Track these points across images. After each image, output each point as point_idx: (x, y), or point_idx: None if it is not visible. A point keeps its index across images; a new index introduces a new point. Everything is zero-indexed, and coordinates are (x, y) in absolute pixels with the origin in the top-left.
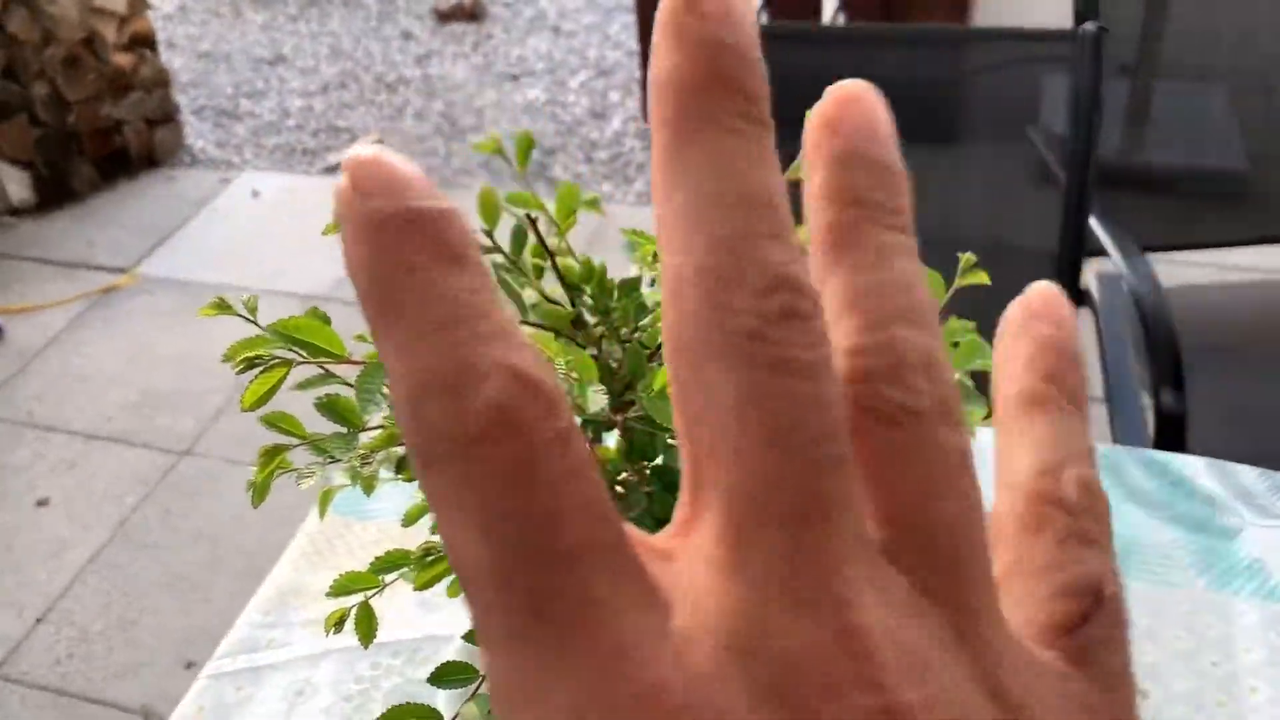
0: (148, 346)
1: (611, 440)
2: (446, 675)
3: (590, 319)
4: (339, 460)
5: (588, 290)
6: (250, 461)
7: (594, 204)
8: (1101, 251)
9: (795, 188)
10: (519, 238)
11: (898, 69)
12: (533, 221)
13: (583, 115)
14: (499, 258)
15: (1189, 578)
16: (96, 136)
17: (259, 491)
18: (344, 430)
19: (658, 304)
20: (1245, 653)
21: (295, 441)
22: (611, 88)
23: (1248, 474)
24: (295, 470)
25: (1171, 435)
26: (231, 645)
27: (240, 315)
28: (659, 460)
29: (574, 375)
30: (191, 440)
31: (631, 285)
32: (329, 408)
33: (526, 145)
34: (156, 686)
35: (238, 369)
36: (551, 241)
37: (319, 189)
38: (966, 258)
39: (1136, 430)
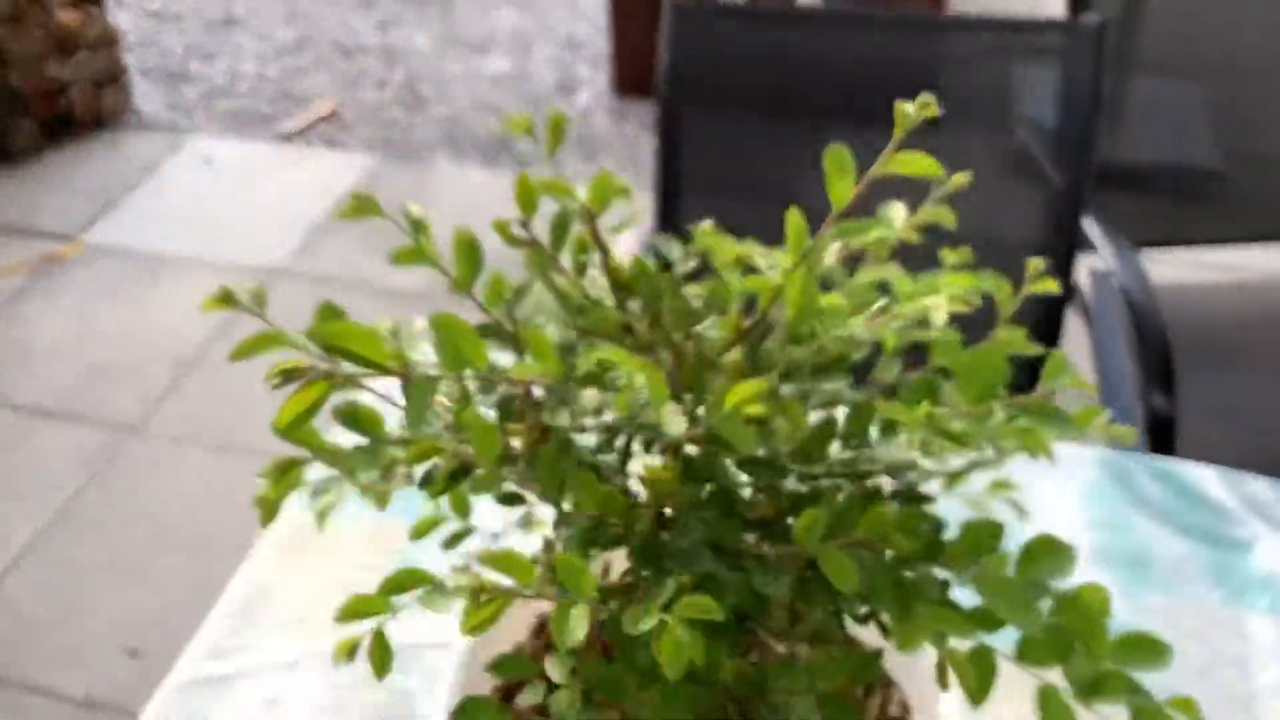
0: (92, 318)
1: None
2: (474, 714)
3: (638, 323)
4: (361, 476)
5: (639, 292)
6: (199, 441)
7: (626, 193)
8: (1087, 246)
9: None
10: (560, 229)
11: (877, 53)
12: (590, 216)
13: (549, 89)
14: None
15: (1202, 592)
16: (40, 96)
17: (269, 510)
18: (366, 442)
19: (708, 305)
20: (1263, 671)
21: (313, 457)
22: (579, 61)
23: (1257, 484)
24: (307, 485)
25: (1161, 437)
26: (198, 651)
27: (250, 310)
28: (719, 483)
29: (646, 394)
30: (138, 418)
31: (670, 286)
32: (350, 417)
33: (558, 126)
34: (99, 674)
35: (273, 383)
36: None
37: (272, 156)
38: (1034, 263)
39: (1129, 426)
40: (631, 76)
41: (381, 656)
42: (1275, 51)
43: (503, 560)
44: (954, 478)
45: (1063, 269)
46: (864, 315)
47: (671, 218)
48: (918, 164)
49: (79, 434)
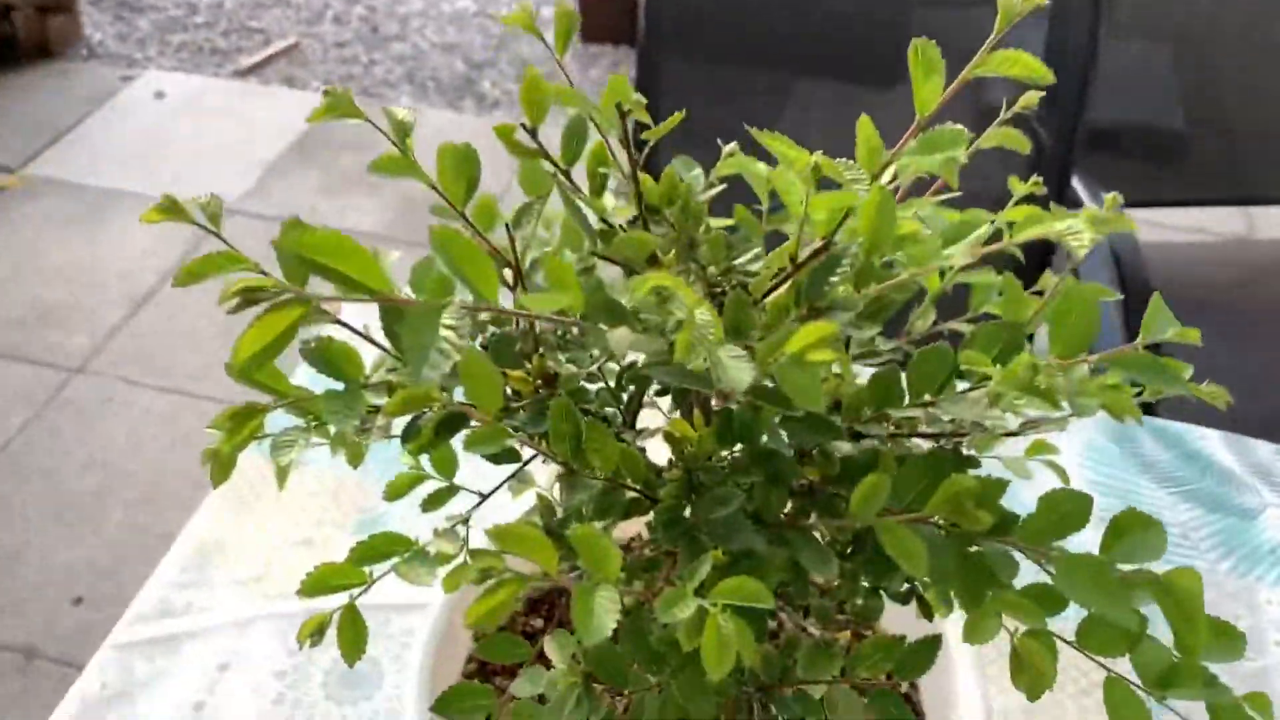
0: (37, 254)
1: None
2: (457, 701)
3: (664, 252)
4: (334, 426)
5: (669, 215)
6: (148, 381)
7: (641, 106)
8: (1069, 204)
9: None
10: (574, 139)
11: (861, 3)
12: (624, 115)
13: (515, 29)
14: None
15: (1211, 561)
16: None
17: (222, 467)
18: (339, 386)
19: (746, 239)
20: (1275, 646)
21: (276, 402)
22: (545, 2)
23: (1264, 450)
24: (269, 436)
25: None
26: (143, 609)
27: (198, 224)
28: (763, 442)
29: (710, 333)
30: (84, 357)
31: (695, 212)
32: (320, 356)
33: (566, 23)
34: (41, 623)
35: (229, 306)
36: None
37: (228, 93)
38: (1111, 198)
39: None
40: (598, 20)
41: (354, 637)
42: (1247, 15)
43: (518, 539)
44: (991, 439)
45: None
46: (962, 245)
47: (649, 170)
48: (1017, 62)
49: (22, 372)
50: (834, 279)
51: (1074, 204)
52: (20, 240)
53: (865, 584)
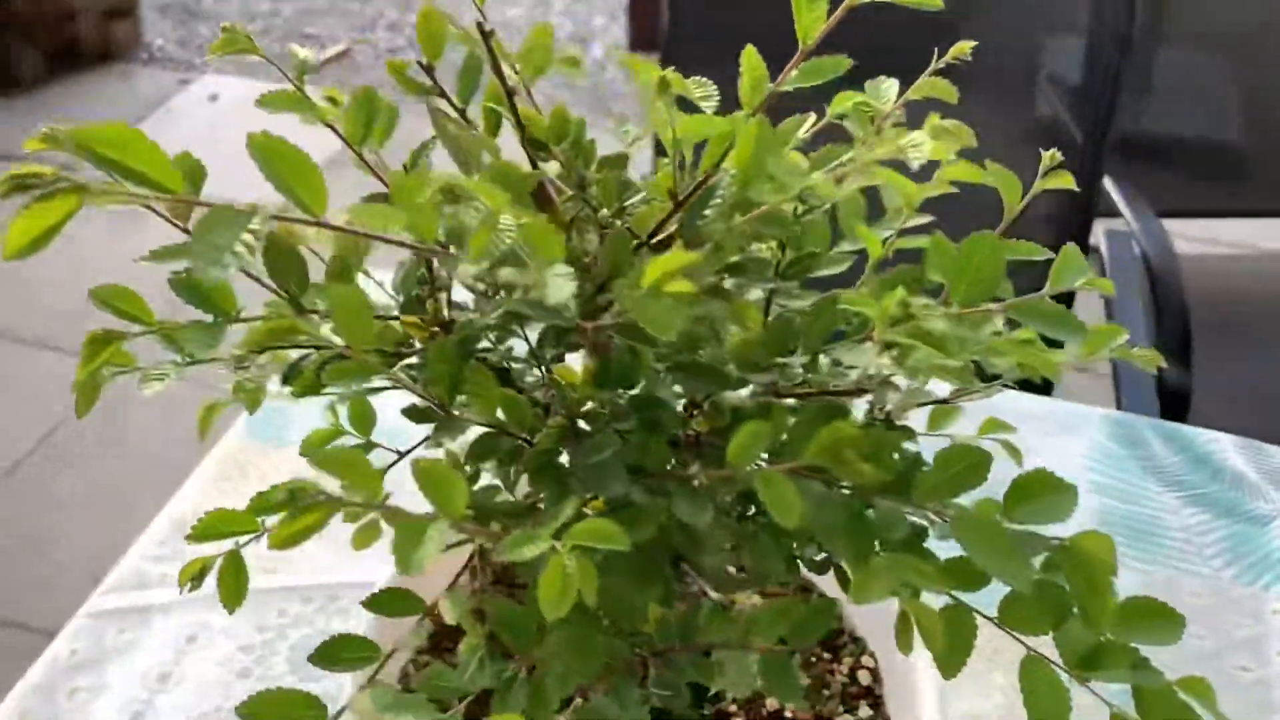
0: (91, 251)
1: (574, 358)
2: (339, 653)
3: (559, 192)
4: (199, 360)
5: (558, 151)
6: (191, 377)
7: (574, 63)
8: (1105, 212)
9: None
10: (468, 76)
11: (890, 6)
12: (487, 37)
13: (564, 39)
14: (443, 103)
15: (1216, 568)
16: (47, 24)
17: (84, 394)
18: (209, 319)
19: (645, 179)
20: (1279, 656)
21: (136, 329)
22: (595, 12)
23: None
24: (140, 370)
25: (1174, 409)
26: (118, 579)
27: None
28: (641, 387)
29: (527, 248)
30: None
31: (618, 161)
32: (188, 287)
33: None
34: (66, 608)
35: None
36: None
37: None
38: (1049, 155)
39: (1145, 397)
40: (648, 29)
41: (235, 583)
42: None
43: (339, 463)
44: (939, 415)
45: (1080, 230)
46: (825, 167)
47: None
48: None
49: (69, 365)
50: (708, 213)
51: (1105, 204)
52: (75, 236)
53: (780, 551)
